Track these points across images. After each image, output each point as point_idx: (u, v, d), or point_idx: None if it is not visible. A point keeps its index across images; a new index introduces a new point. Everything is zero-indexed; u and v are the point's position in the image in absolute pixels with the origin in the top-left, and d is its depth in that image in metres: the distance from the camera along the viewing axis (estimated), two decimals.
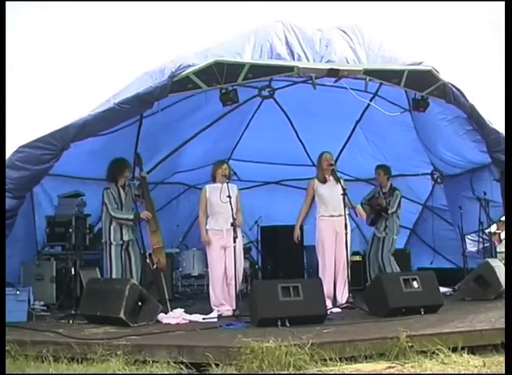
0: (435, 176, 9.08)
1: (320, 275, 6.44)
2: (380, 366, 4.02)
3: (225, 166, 6.52)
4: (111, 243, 6.58)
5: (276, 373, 3.89)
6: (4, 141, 5.70)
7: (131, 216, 6.63)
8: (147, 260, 6.71)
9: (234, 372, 3.97)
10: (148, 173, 7.29)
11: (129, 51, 21.72)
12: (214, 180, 6.52)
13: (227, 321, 5.53)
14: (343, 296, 6.41)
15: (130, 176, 6.99)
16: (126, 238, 6.64)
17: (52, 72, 21.09)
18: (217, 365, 4.04)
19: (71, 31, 20.66)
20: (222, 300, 6.20)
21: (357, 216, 6.79)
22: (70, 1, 17.63)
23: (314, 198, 6.72)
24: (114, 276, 6.51)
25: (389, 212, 7.69)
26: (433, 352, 4.20)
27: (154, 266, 6.61)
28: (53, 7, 19.62)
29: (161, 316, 5.67)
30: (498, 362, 4.03)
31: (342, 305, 6.30)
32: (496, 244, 9.32)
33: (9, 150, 5.65)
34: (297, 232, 6.76)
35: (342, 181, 6.62)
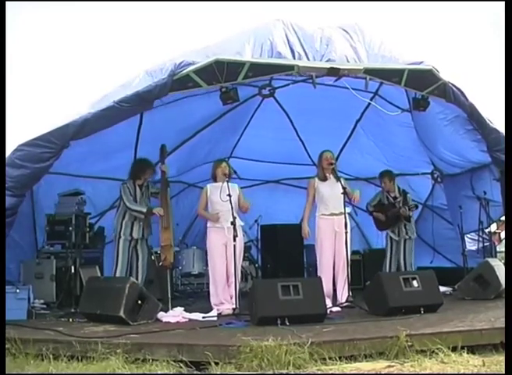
0: (435, 175, 9.09)
1: (318, 273, 6.44)
2: (380, 365, 4.02)
3: (224, 164, 6.54)
4: (120, 237, 6.67)
5: (276, 372, 3.89)
6: (4, 140, 5.70)
7: (144, 209, 6.67)
8: (152, 257, 6.71)
9: (233, 370, 3.97)
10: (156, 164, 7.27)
11: (130, 50, 21.73)
12: (214, 180, 6.54)
13: (227, 320, 5.53)
14: (342, 295, 6.42)
15: (150, 178, 7.02)
16: (135, 236, 6.71)
17: (52, 70, 21.11)
18: (216, 363, 4.04)
19: (71, 30, 20.69)
20: (223, 299, 6.20)
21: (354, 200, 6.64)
22: (70, 1, 17.65)
23: (315, 196, 6.71)
24: (119, 270, 6.55)
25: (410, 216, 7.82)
26: (433, 351, 4.19)
27: (160, 264, 6.61)
28: (53, 7, 19.62)
29: (161, 315, 5.67)
30: (497, 361, 4.03)
31: (342, 304, 6.30)
32: (496, 243, 9.31)
33: (9, 148, 5.67)
34: (305, 228, 6.63)
35: (342, 180, 6.61)
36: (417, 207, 7.95)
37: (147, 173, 6.89)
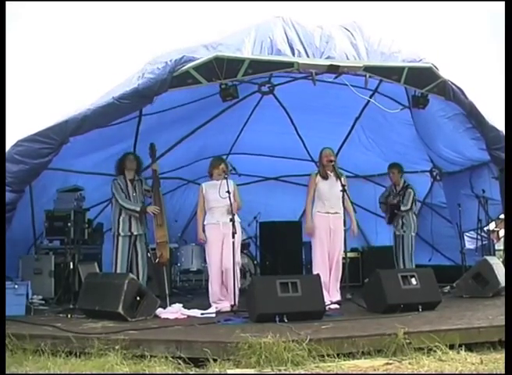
0: (434, 173, 9.09)
1: (313, 270, 6.43)
2: (378, 362, 4.02)
3: (222, 165, 6.48)
4: (119, 234, 6.62)
5: (275, 369, 3.89)
6: (4, 135, 5.69)
7: (138, 208, 6.63)
8: (148, 254, 6.71)
9: (232, 367, 3.97)
10: (148, 167, 7.23)
11: (130, 45, 21.68)
12: (210, 177, 6.53)
13: (225, 316, 5.53)
14: (332, 295, 6.37)
15: (137, 169, 6.90)
16: (134, 231, 6.66)
17: (52, 66, 21.07)
18: (215, 360, 4.04)
19: (71, 25, 20.63)
20: (221, 296, 6.20)
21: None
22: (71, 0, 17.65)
23: (315, 192, 6.69)
24: (119, 268, 6.52)
25: (402, 208, 7.78)
26: (431, 349, 4.20)
27: (157, 260, 6.61)
28: (53, 2, 19.57)
29: (160, 311, 5.67)
30: (495, 359, 4.04)
31: (329, 304, 6.10)
32: (495, 241, 9.34)
33: (9, 144, 5.65)
34: (309, 224, 6.61)
35: (343, 178, 6.60)
36: (406, 192, 7.84)
37: (128, 164, 6.77)
